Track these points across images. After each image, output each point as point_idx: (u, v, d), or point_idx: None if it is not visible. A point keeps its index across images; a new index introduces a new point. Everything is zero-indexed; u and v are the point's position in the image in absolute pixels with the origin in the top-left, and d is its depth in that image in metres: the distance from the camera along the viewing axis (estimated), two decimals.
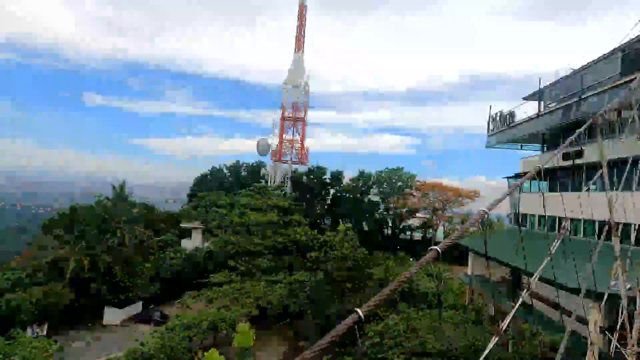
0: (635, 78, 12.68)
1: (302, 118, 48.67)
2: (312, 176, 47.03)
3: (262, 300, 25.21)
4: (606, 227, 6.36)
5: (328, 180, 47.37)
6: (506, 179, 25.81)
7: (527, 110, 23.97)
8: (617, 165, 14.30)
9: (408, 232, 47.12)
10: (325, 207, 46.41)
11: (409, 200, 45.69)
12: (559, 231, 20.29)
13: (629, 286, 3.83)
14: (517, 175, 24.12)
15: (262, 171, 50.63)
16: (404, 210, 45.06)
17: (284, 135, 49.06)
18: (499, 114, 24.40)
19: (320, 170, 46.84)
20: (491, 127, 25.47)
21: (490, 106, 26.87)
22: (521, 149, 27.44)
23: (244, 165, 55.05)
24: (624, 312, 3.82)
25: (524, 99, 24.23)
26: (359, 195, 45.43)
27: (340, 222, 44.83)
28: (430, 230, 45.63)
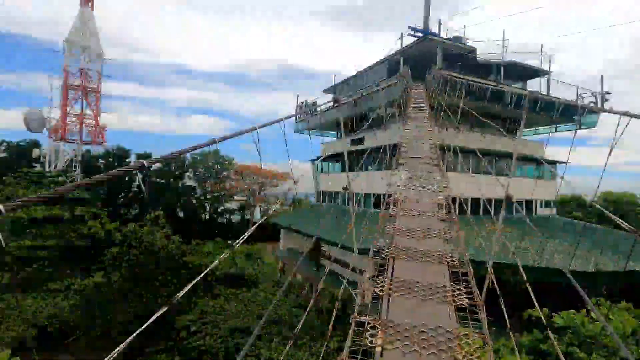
0: (390, 85, 16.59)
1: (94, 88, 40.06)
2: (111, 159, 39.90)
3: (39, 317, 19.97)
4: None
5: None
6: (311, 162, 29.37)
7: (328, 101, 27.75)
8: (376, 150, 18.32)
9: (226, 216, 47.14)
10: (131, 195, 40.53)
11: (226, 184, 45.56)
12: (349, 204, 24.42)
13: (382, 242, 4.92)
14: (318, 158, 27.82)
15: (36, 152, 39.22)
16: (222, 194, 44.70)
17: (69, 109, 39.25)
18: (304, 103, 27.30)
19: (123, 153, 40.28)
20: (298, 115, 28.23)
21: (298, 95, 29.74)
22: (322, 135, 31.75)
23: (5, 143, 41.14)
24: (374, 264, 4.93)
25: (324, 91, 27.99)
26: (172, 180, 41.83)
27: (151, 211, 40.28)
28: (248, 212, 47.17)
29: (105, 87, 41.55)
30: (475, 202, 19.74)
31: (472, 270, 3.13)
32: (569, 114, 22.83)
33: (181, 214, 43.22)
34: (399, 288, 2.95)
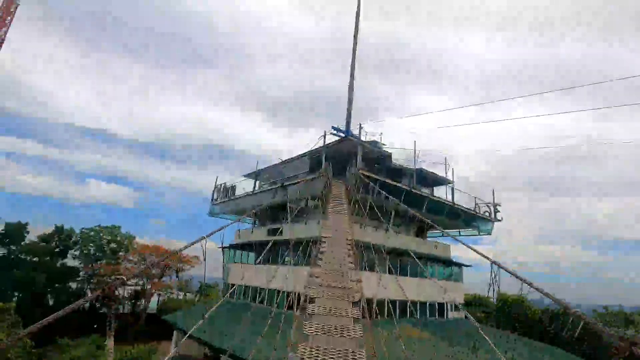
0: (312, 179, 16.46)
1: None
2: None
3: None
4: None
5: None
6: (221, 248, 26.66)
7: (247, 186, 26.78)
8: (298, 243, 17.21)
9: (113, 306, 39.16)
10: None
11: (122, 266, 38.85)
12: (259, 302, 21.86)
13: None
14: (231, 246, 25.44)
15: None
16: (112, 278, 37.69)
17: None
18: (222, 186, 25.85)
19: None
20: (215, 197, 26.44)
21: (217, 177, 28.32)
22: (239, 221, 29.68)
23: None
24: None
25: (244, 176, 27.16)
26: (48, 259, 34.31)
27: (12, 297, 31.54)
28: (143, 301, 39.95)
29: None
30: (392, 303, 19.04)
31: None
32: (470, 220, 25.09)
33: (51, 302, 34.72)
34: None
